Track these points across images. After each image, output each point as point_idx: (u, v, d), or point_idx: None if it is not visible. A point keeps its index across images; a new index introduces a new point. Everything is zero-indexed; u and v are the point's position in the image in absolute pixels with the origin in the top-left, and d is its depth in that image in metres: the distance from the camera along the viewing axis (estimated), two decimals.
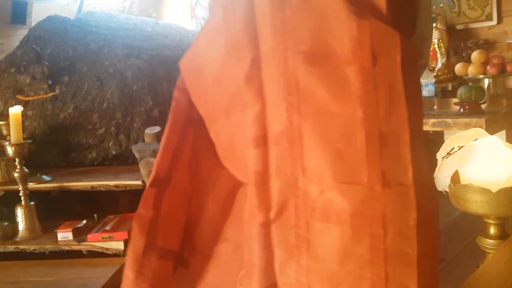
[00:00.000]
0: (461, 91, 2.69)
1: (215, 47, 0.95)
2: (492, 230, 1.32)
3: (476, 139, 1.31)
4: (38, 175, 2.51)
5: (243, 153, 0.92)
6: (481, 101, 2.68)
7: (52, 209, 2.54)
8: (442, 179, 1.28)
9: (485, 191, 1.20)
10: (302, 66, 0.83)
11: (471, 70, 2.96)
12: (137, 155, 2.45)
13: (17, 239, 2.31)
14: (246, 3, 0.89)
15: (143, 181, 2.35)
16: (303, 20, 0.84)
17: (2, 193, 2.48)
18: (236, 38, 0.90)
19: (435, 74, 3.04)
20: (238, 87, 0.90)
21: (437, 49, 3.15)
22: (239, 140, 0.94)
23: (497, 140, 1.28)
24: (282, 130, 0.85)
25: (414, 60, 0.85)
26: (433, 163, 1.48)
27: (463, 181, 1.27)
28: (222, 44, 0.93)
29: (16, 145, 2.25)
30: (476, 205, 1.23)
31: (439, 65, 3.14)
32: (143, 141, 2.62)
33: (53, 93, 2.90)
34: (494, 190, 1.19)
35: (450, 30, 3.27)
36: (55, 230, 2.26)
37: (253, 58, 0.88)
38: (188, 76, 1.04)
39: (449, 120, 2.66)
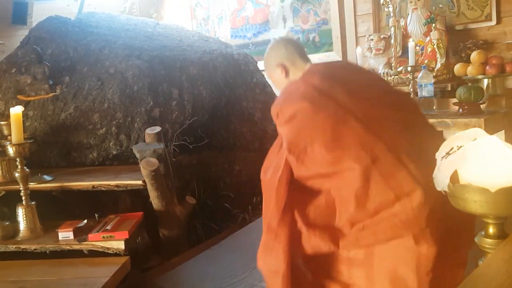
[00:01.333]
0: (460, 91, 2.69)
1: None
2: (491, 230, 1.32)
3: (475, 139, 1.31)
4: (39, 175, 2.52)
5: None
6: (480, 101, 2.68)
7: (53, 209, 2.54)
8: (441, 179, 1.28)
9: (484, 191, 1.20)
10: None
11: (470, 71, 2.97)
12: (137, 155, 2.46)
13: (18, 239, 2.32)
14: None
15: (143, 181, 2.36)
16: None
17: (3, 193, 2.49)
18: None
19: (434, 74, 3.05)
20: None
21: (436, 50, 3.15)
22: None
23: (496, 140, 1.28)
24: None
25: None
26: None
27: (462, 181, 1.27)
28: None
29: (17, 145, 2.26)
30: (475, 204, 1.23)
31: (438, 65, 3.15)
32: (144, 141, 2.63)
33: (54, 93, 2.91)
34: (493, 190, 1.19)
35: (450, 31, 3.27)
36: (56, 230, 2.27)
37: None
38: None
39: (448, 120, 2.67)
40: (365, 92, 1.46)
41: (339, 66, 1.68)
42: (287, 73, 1.64)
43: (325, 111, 1.38)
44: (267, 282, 1.48)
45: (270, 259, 1.43)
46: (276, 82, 1.69)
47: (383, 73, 3.34)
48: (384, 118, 1.40)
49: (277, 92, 1.77)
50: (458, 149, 1.30)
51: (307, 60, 1.65)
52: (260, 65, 3.94)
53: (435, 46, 3.18)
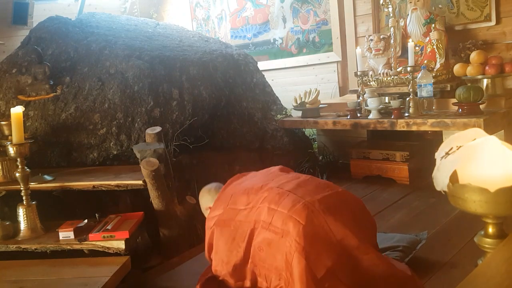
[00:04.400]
0: (459, 91, 2.70)
1: None
2: (490, 230, 1.33)
3: (475, 139, 1.32)
4: (40, 175, 2.52)
5: None
6: (480, 102, 2.69)
7: (53, 209, 2.55)
8: (441, 179, 1.29)
9: (483, 190, 1.21)
10: None
11: (470, 71, 2.97)
12: (138, 155, 2.47)
13: (19, 239, 2.32)
14: None
15: (144, 181, 2.36)
16: None
17: (4, 192, 2.49)
18: None
19: (434, 74, 3.05)
20: None
21: (436, 50, 3.15)
22: None
23: (496, 140, 1.29)
24: None
25: None
26: (432, 163, 1.49)
27: (462, 180, 1.28)
28: None
29: (18, 145, 2.26)
30: (474, 204, 1.24)
31: (438, 65, 3.15)
32: (144, 141, 2.63)
33: (54, 93, 2.91)
34: (492, 189, 1.20)
35: (449, 31, 3.27)
36: (57, 230, 2.27)
37: None
38: None
39: (447, 120, 2.67)
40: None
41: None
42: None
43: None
44: None
45: None
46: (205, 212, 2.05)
47: (383, 73, 3.35)
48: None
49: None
50: (457, 149, 1.30)
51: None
52: (260, 65, 3.95)
53: (434, 47, 3.18)
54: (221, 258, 1.64)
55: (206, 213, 1.97)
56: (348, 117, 3.17)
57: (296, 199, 1.49)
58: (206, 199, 2.03)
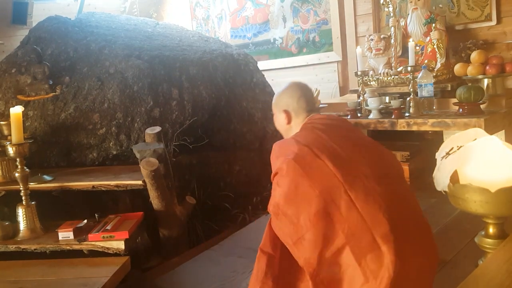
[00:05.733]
0: (460, 91, 2.69)
1: None
2: (491, 230, 1.32)
3: (475, 139, 1.31)
4: (39, 175, 2.52)
5: None
6: (480, 101, 2.68)
7: (53, 209, 2.54)
8: (441, 179, 1.28)
9: (484, 191, 1.20)
10: None
11: (470, 71, 2.97)
12: (137, 155, 2.46)
13: (18, 239, 2.32)
14: None
15: (143, 181, 2.36)
16: None
17: (3, 193, 2.49)
18: None
19: (434, 74, 3.04)
20: None
21: (436, 50, 3.15)
22: None
23: (496, 140, 1.28)
24: None
25: None
26: (432, 163, 1.49)
27: (462, 181, 1.27)
28: None
29: (17, 145, 2.26)
30: (475, 204, 1.23)
31: (438, 65, 3.14)
32: (144, 141, 2.63)
33: (54, 93, 2.91)
34: (493, 190, 1.19)
35: (449, 31, 3.27)
36: (56, 230, 2.27)
37: None
38: None
39: (448, 120, 2.67)
40: (357, 163, 1.49)
41: (334, 125, 1.72)
42: (289, 121, 1.76)
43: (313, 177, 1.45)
44: None
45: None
46: (277, 123, 1.84)
47: (383, 73, 3.34)
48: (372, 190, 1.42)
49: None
50: (458, 149, 1.30)
51: (311, 110, 1.75)
52: (260, 65, 3.95)
53: (435, 46, 3.18)
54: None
55: (278, 114, 1.78)
56: (349, 117, 3.17)
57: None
58: (288, 103, 1.76)
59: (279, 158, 1.56)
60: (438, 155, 1.34)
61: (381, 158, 1.55)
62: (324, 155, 1.47)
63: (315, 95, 3.48)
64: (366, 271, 1.32)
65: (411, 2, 3.30)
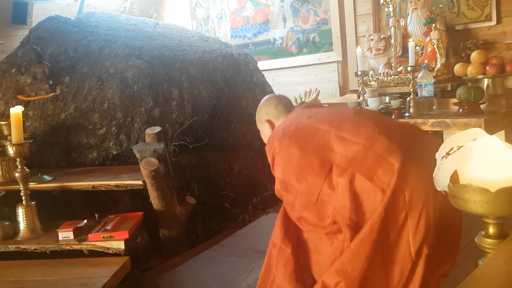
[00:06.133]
0: (460, 91, 2.69)
1: None
2: (491, 230, 1.32)
3: (475, 139, 1.31)
4: (39, 175, 2.52)
5: None
6: (480, 101, 2.68)
7: (53, 209, 2.54)
8: (441, 179, 1.28)
9: (484, 191, 1.20)
10: None
11: (470, 71, 2.97)
12: (137, 155, 2.46)
13: (18, 239, 2.32)
14: None
15: (143, 181, 2.36)
16: None
17: (3, 193, 2.49)
18: None
19: (434, 74, 3.04)
20: None
21: (436, 50, 3.15)
22: None
23: (496, 140, 1.28)
24: None
25: None
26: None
27: (462, 181, 1.27)
28: None
29: (17, 145, 2.26)
30: (475, 204, 1.23)
31: (438, 65, 3.14)
32: (144, 141, 2.63)
33: (54, 93, 2.91)
34: (493, 190, 1.19)
35: (449, 31, 3.27)
36: (56, 230, 2.27)
37: None
38: None
39: (448, 120, 2.67)
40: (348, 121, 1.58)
41: (316, 106, 1.90)
42: (273, 128, 1.82)
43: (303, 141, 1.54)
44: None
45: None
46: (263, 135, 1.88)
47: (383, 73, 3.34)
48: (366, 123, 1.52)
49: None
50: (458, 149, 1.30)
51: (290, 111, 1.83)
52: (260, 65, 3.95)
53: (435, 46, 3.18)
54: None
55: (262, 126, 1.86)
56: None
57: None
58: (268, 112, 1.85)
59: (271, 145, 1.63)
60: (438, 155, 1.33)
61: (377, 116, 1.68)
62: (311, 120, 1.59)
63: (315, 95, 3.49)
64: (380, 185, 1.38)
65: (411, 2, 3.29)
